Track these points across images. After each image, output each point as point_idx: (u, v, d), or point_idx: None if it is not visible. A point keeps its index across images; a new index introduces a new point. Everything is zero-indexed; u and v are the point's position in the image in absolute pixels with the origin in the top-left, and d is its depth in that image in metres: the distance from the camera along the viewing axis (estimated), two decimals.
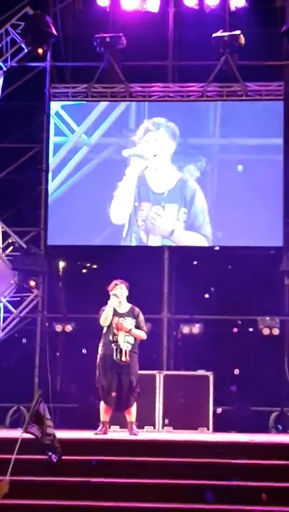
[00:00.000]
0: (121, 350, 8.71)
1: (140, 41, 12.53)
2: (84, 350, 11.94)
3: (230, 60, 12.28)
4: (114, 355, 8.71)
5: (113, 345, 8.74)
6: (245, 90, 12.49)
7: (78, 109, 12.74)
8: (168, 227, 12.26)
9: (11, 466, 5.60)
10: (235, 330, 11.91)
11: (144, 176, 12.47)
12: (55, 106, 12.66)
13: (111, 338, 8.76)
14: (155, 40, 12.79)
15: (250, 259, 11.98)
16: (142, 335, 8.92)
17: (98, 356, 8.85)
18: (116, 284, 8.91)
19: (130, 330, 8.77)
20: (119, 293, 8.84)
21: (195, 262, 12.61)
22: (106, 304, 8.87)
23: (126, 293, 8.95)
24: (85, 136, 12.65)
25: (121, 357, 8.71)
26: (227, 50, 12.26)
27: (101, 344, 8.86)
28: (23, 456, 7.38)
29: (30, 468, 7.24)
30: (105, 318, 8.79)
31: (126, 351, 8.72)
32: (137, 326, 8.88)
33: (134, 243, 12.35)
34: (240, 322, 12.14)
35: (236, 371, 11.38)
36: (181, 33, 12.96)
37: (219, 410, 10.64)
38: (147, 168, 12.46)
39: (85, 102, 12.73)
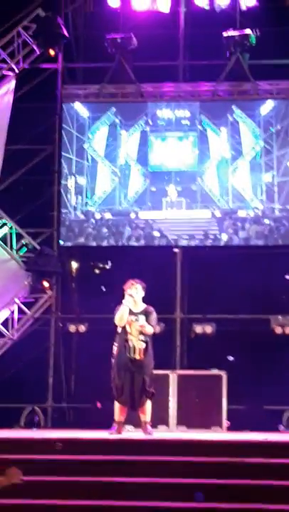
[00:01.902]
0: (134, 348, 8.73)
1: (151, 41, 12.58)
2: None
3: (240, 59, 12.33)
4: (128, 353, 8.72)
5: (126, 343, 8.76)
6: (256, 89, 12.51)
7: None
8: None
9: None
10: None
11: None
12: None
13: (125, 336, 8.78)
14: (166, 40, 12.83)
15: (261, 258, 11.98)
16: (148, 329, 8.85)
17: (113, 356, 8.86)
18: (132, 284, 8.91)
19: (143, 325, 8.74)
20: (134, 293, 8.85)
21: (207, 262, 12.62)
22: (120, 303, 8.89)
23: (142, 293, 8.95)
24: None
25: (134, 355, 8.72)
26: (238, 50, 12.32)
27: (115, 344, 8.88)
28: (35, 456, 7.44)
29: (43, 467, 7.28)
30: (120, 317, 8.80)
31: (140, 349, 8.73)
32: (147, 321, 8.88)
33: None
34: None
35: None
36: (192, 33, 13.00)
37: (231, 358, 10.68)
38: None
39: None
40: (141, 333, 8.77)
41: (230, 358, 10.94)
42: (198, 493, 6.78)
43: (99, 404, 10.02)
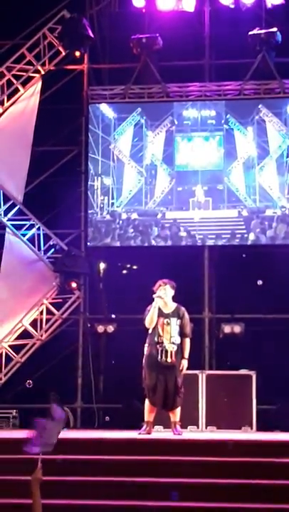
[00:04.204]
0: (166, 351, 8.71)
1: (176, 41, 12.53)
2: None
3: (267, 57, 12.25)
4: (160, 356, 8.70)
5: (158, 346, 8.73)
6: (282, 87, 12.44)
7: None
8: None
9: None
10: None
11: None
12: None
13: (156, 339, 8.75)
14: (191, 40, 12.79)
15: None
16: (188, 346, 8.85)
17: (144, 356, 8.85)
18: (160, 285, 8.89)
19: (182, 371, 8.78)
20: (162, 294, 8.83)
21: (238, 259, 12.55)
22: (149, 303, 8.87)
23: (171, 293, 8.92)
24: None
25: (166, 358, 8.71)
26: (264, 48, 12.23)
27: (147, 344, 8.87)
28: (66, 456, 7.46)
29: (74, 468, 7.30)
30: (150, 320, 8.79)
31: (171, 352, 8.72)
32: (181, 326, 8.87)
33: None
34: None
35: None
36: (217, 32, 12.93)
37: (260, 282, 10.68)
38: None
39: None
40: (172, 335, 8.76)
41: (260, 282, 10.88)
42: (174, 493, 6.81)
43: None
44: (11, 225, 12.63)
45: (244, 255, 12.44)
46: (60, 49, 12.80)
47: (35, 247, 12.59)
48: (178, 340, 8.80)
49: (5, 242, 12.61)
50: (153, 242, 12.56)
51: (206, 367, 11.77)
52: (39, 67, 12.85)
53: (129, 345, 10.10)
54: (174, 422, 8.88)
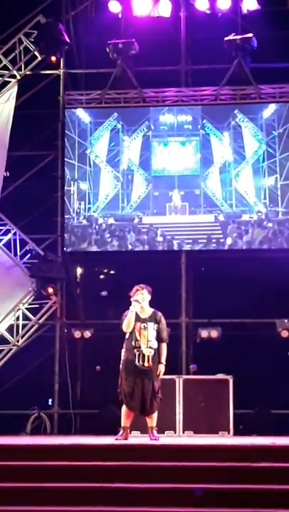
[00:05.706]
0: (144, 355, 8.68)
1: (153, 46, 12.58)
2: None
3: (242, 63, 12.32)
4: (137, 360, 8.67)
5: (135, 350, 8.70)
6: (258, 93, 12.52)
7: None
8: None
9: None
10: None
11: None
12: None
13: (133, 343, 8.72)
14: (167, 45, 12.85)
15: (267, 262, 11.96)
16: (164, 351, 8.84)
17: (121, 361, 8.83)
18: (137, 290, 8.87)
19: (159, 375, 8.76)
20: (140, 298, 8.80)
21: (207, 267, 12.61)
22: (126, 309, 8.85)
23: (148, 298, 8.91)
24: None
25: (144, 362, 8.67)
26: (239, 53, 12.30)
27: (124, 349, 8.84)
28: (41, 463, 7.42)
29: (49, 474, 7.26)
30: (127, 324, 8.75)
31: (148, 357, 8.68)
32: (158, 331, 8.85)
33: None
34: None
35: None
36: (194, 37, 13.00)
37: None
38: None
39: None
40: (150, 340, 8.74)
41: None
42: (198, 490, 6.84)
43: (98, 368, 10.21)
44: None
45: (203, 269, 12.56)
46: (36, 54, 12.80)
47: (11, 252, 12.55)
48: (155, 344, 8.78)
49: None
50: (130, 247, 12.56)
51: (183, 372, 11.77)
52: (15, 72, 12.83)
53: (106, 350, 10.08)
54: (150, 427, 8.85)
